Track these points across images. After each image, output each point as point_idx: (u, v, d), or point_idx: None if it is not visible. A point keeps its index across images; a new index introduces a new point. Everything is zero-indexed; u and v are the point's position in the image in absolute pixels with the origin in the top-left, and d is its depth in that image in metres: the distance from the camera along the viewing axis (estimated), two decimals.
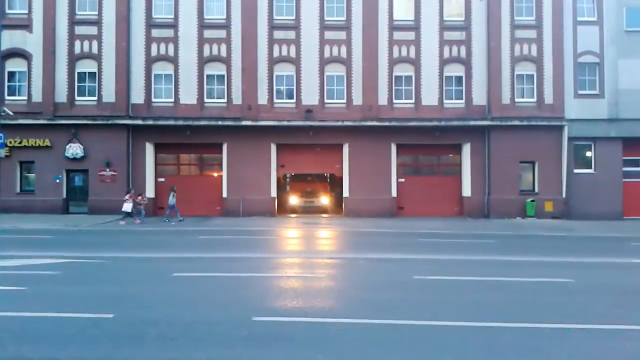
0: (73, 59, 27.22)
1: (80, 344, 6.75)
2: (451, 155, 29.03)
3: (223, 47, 27.56)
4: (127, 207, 24.41)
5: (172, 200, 25.31)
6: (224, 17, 27.58)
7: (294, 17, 27.69)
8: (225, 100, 27.59)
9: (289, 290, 10.16)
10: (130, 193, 25.01)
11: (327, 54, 27.69)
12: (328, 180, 32.43)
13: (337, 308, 8.96)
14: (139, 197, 25.16)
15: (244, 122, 27.18)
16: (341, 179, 28.82)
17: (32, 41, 27.01)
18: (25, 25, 27.01)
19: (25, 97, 27.06)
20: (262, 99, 27.46)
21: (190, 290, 9.99)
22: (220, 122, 27.18)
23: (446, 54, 27.84)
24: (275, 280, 11.34)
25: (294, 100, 27.67)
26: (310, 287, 10.51)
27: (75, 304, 8.80)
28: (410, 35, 27.79)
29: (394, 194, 27.86)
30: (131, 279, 11.29)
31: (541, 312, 8.56)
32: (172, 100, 27.49)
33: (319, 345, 6.83)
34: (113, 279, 11.16)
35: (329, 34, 27.69)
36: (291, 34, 27.66)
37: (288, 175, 33.47)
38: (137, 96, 27.33)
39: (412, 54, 27.79)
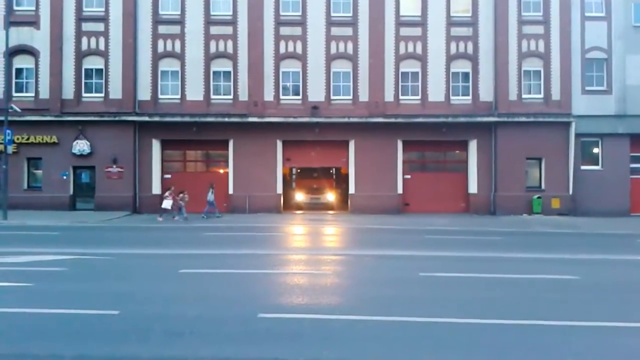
0: (80, 56, 27.30)
1: (85, 341, 6.79)
2: (457, 151, 28.95)
3: (229, 43, 27.57)
4: (167, 204, 24.42)
5: (210, 196, 25.53)
6: (230, 13, 27.58)
7: (300, 13, 27.65)
8: (231, 96, 27.61)
9: (294, 287, 10.17)
10: (170, 190, 24.97)
11: (333, 50, 27.65)
12: (334, 176, 32.44)
13: (342, 305, 8.97)
14: (180, 195, 25.14)
15: (250, 119, 27.20)
16: (347, 175, 28.83)
17: (40, 38, 27.09)
18: (32, 22, 27.08)
19: (33, 94, 27.16)
20: (268, 95, 27.47)
21: (196, 287, 10.03)
22: (226, 119, 27.20)
23: (453, 50, 27.74)
24: (281, 277, 11.35)
25: (300, 97, 27.65)
26: (316, 283, 10.53)
27: (82, 300, 8.84)
28: (417, 31, 27.71)
29: (400, 190, 27.82)
30: (137, 276, 11.33)
31: (547, 309, 8.54)
32: (179, 96, 27.54)
33: (324, 342, 6.84)
34: (119, 276, 11.21)
35: (335, 30, 27.65)
36: (297, 30, 27.63)
37: (294, 172, 33.49)
38: (144, 93, 27.39)
39: (419, 50, 27.71)
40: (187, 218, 24.23)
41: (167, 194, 24.82)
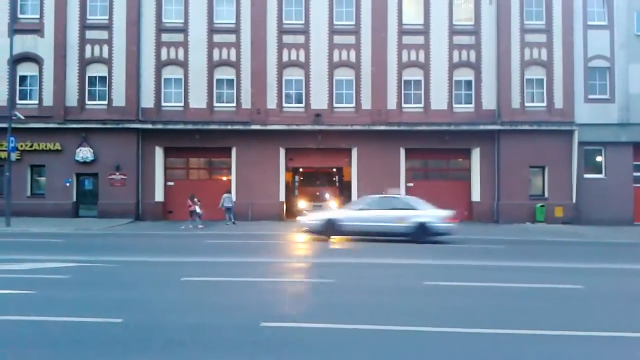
0: (84, 63, 27.42)
1: (88, 349, 6.76)
2: (460, 159, 28.95)
3: (232, 51, 27.67)
4: (198, 209, 24.53)
5: (227, 202, 25.50)
6: (234, 21, 27.69)
7: (303, 22, 27.75)
8: (234, 104, 27.68)
9: (297, 296, 10.14)
10: (195, 198, 24.91)
11: (336, 58, 27.73)
12: (337, 184, 32.39)
13: (347, 314, 8.92)
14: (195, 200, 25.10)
15: (253, 126, 27.26)
16: (350, 182, 28.84)
17: (44, 45, 27.23)
18: (36, 29, 27.24)
19: (36, 101, 27.27)
20: (271, 103, 27.53)
21: (199, 295, 10.00)
22: (229, 126, 27.28)
23: (455, 58, 27.80)
24: (284, 285, 11.32)
25: (303, 105, 27.72)
26: (319, 292, 10.49)
27: (84, 308, 8.81)
28: (420, 40, 27.78)
29: None
30: (140, 283, 11.30)
31: (550, 319, 8.48)
32: (182, 104, 27.62)
33: (328, 351, 6.80)
34: (122, 283, 11.18)
35: (338, 38, 27.74)
36: (300, 39, 27.73)
37: (297, 180, 33.47)
38: (147, 100, 27.48)
39: (422, 58, 27.77)
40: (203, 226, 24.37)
41: (196, 199, 24.64)
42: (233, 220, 25.42)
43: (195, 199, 24.71)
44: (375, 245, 18.59)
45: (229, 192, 26.17)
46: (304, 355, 6.68)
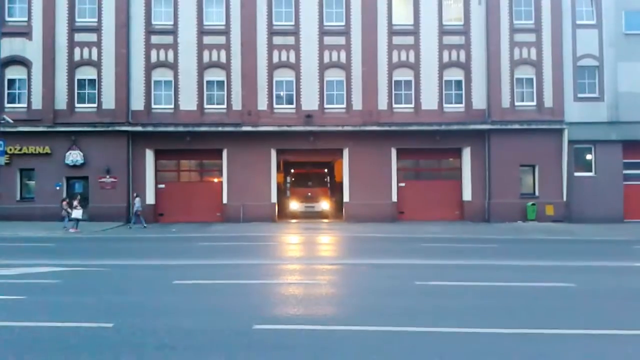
0: (73, 66, 27.23)
1: (79, 354, 6.71)
2: (451, 159, 28.99)
3: (223, 53, 27.57)
4: (78, 214, 23.77)
5: (137, 207, 25.45)
6: (224, 23, 27.60)
7: (293, 23, 27.71)
8: (225, 106, 27.59)
9: (290, 298, 10.11)
10: (78, 199, 24.35)
11: (326, 59, 27.70)
12: (328, 185, 32.45)
13: (339, 315, 8.92)
14: (74, 203, 24.16)
15: (244, 128, 27.18)
16: (341, 183, 28.86)
17: (32, 48, 27.03)
18: (25, 32, 27.03)
19: (25, 105, 27.06)
20: (262, 104, 27.46)
21: (191, 298, 9.95)
22: (220, 128, 27.17)
23: (446, 58, 27.84)
24: (276, 287, 11.30)
25: (293, 106, 27.66)
26: (311, 294, 10.47)
27: (75, 313, 8.76)
28: (410, 40, 27.80)
29: (395, 198, 27.81)
30: (131, 287, 11.25)
31: (543, 318, 8.51)
32: (172, 106, 27.49)
33: (320, 353, 6.79)
34: (113, 287, 11.12)
35: (328, 39, 27.71)
36: (290, 40, 27.68)
37: (288, 181, 33.50)
38: (137, 103, 27.33)
39: (412, 59, 27.79)
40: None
41: (76, 203, 23.96)
42: (144, 224, 25.13)
43: (75, 202, 23.98)
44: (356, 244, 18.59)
45: (138, 195, 25.91)
46: (297, 357, 6.66)
